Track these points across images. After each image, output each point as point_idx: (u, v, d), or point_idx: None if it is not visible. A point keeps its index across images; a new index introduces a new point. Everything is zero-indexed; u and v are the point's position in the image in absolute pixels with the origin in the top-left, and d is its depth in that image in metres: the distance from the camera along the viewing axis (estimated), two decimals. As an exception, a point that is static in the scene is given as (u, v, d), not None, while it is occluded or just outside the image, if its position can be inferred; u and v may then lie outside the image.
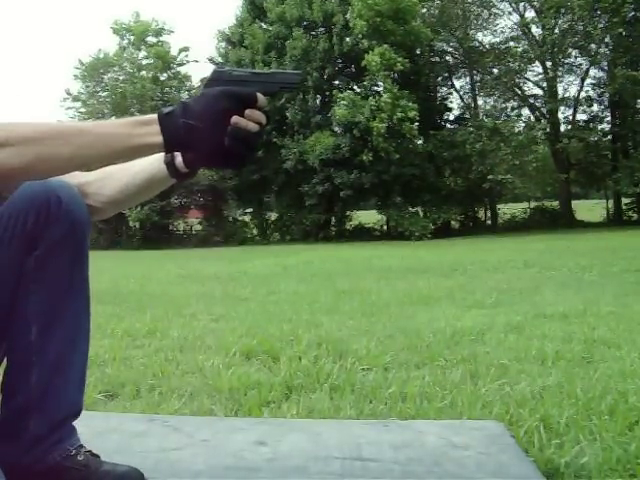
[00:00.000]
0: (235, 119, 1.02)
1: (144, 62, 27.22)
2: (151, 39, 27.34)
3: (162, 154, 1.23)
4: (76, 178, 1.31)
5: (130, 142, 1.00)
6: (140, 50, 27.29)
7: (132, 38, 27.11)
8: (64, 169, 1.04)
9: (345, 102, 21.27)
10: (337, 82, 24.95)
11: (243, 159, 1.06)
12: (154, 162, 1.26)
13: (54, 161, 0.98)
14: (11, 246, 1.18)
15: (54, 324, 1.23)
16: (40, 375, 1.23)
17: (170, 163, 1.23)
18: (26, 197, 1.18)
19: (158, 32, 27.34)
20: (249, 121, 1.03)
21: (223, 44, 27.14)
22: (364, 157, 20.90)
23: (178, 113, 1.01)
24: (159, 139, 1.00)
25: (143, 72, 26.80)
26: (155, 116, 1.01)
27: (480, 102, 26.75)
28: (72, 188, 1.23)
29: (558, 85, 24.80)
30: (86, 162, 1.04)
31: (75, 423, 1.31)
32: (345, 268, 9.51)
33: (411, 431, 1.70)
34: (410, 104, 20.68)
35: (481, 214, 26.55)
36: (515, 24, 25.47)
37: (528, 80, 25.83)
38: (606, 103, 25.09)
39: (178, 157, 1.21)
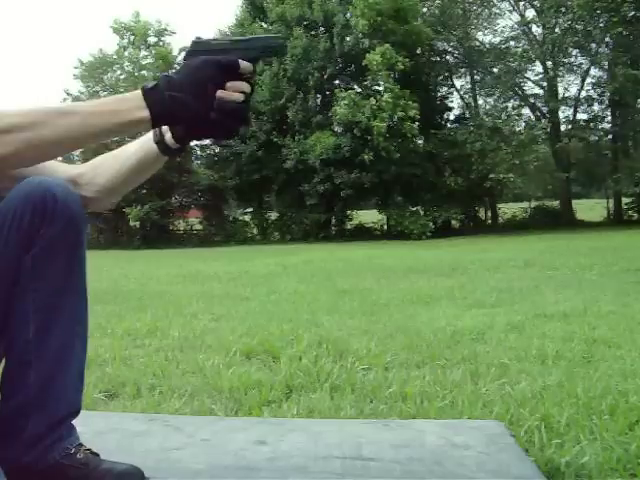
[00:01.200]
0: (219, 93, 1.02)
1: (144, 62, 27.19)
2: (152, 39, 27.30)
3: (151, 134, 1.23)
4: (68, 170, 1.31)
5: (116, 119, 1.00)
6: (141, 50, 27.26)
7: (133, 38, 27.06)
8: (55, 152, 1.04)
9: (346, 102, 21.26)
10: (337, 82, 24.94)
11: (231, 131, 1.06)
12: (144, 143, 1.26)
13: (44, 146, 0.99)
14: (8, 245, 1.18)
15: (52, 322, 1.23)
16: (38, 374, 1.23)
17: (160, 141, 1.23)
18: (22, 196, 1.18)
19: (160, 33, 27.31)
20: (233, 92, 1.03)
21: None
22: (365, 156, 20.88)
23: (162, 86, 1.01)
24: (145, 113, 1.00)
25: (144, 72, 26.76)
26: (139, 91, 1.01)
27: (480, 102, 26.76)
28: (68, 186, 1.23)
29: (558, 85, 24.83)
30: (75, 143, 1.04)
31: (75, 422, 1.31)
32: (345, 268, 9.51)
33: (411, 430, 1.70)
34: (411, 103, 20.67)
35: (481, 213, 26.53)
36: (515, 23, 25.49)
37: (528, 80, 25.85)
38: (606, 103, 25.06)
39: (167, 134, 1.21)
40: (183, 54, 1.10)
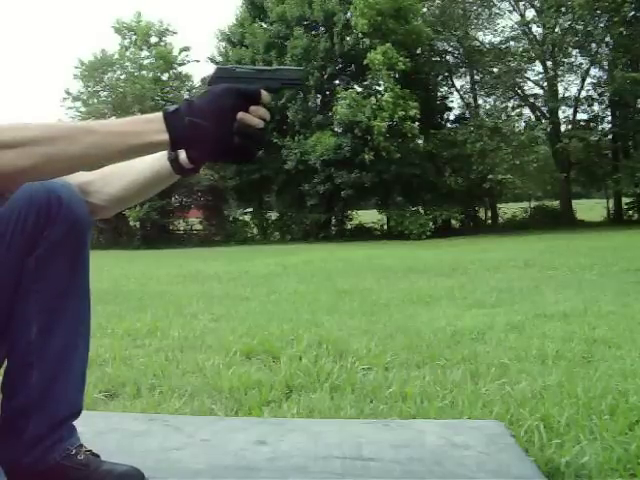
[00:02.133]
0: (241, 115, 1.02)
1: (145, 62, 27.19)
2: (154, 39, 27.29)
3: (165, 151, 1.24)
4: (78, 177, 1.31)
5: (136, 140, 1.00)
6: (142, 50, 27.26)
7: (134, 38, 27.05)
8: (72, 169, 1.04)
9: (347, 101, 21.25)
10: (338, 82, 24.94)
11: (250, 154, 1.07)
12: (158, 159, 1.26)
13: (62, 161, 0.99)
14: (12, 246, 1.18)
15: (54, 324, 1.24)
16: (40, 375, 1.23)
17: (174, 160, 1.23)
18: (26, 197, 1.18)
19: (162, 33, 27.30)
20: (254, 117, 1.04)
21: (223, 44, 27.14)
22: (366, 156, 20.87)
23: (183, 111, 1.01)
24: (165, 137, 1.00)
25: (144, 72, 26.77)
26: (160, 114, 1.01)
27: (480, 102, 26.76)
28: (73, 188, 1.23)
29: (558, 85, 24.81)
30: (93, 162, 1.04)
31: (75, 423, 1.31)
32: (345, 268, 9.51)
33: (411, 430, 1.70)
34: (411, 103, 20.67)
35: (482, 213, 26.54)
36: (515, 23, 25.48)
37: (528, 80, 25.85)
38: (607, 103, 25.07)
39: (182, 154, 1.21)
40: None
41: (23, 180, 1.06)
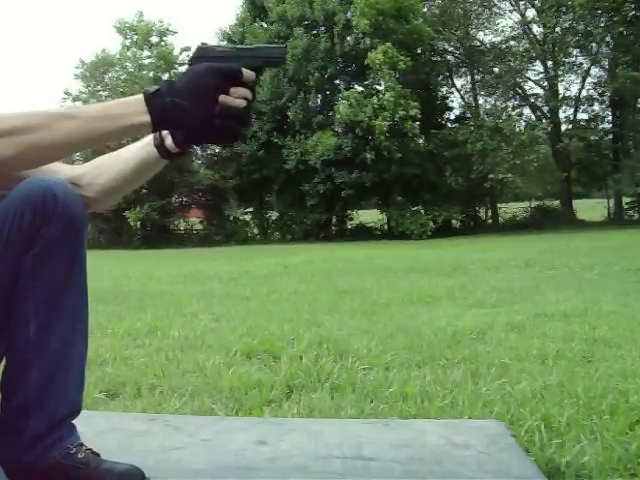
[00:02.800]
0: (222, 98, 1.02)
1: (146, 62, 27.17)
2: (154, 39, 27.26)
3: (151, 137, 1.24)
4: (69, 171, 1.31)
5: (117, 123, 1.00)
6: (143, 50, 27.24)
7: (135, 37, 27.03)
8: (56, 156, 1.04)
9: (348, 101, 21.23)
10: (338, 81, 24.94)
11: (234, 135, 1.06)
12: (144, 146, 1.26)
13: (45, 149, 0.99)
14: (8, 244, 1.18)
15: (52, 322, 1.23)
16: (39, 373, 1.23)
17: (160, 145, 1.23)
18: (22, 195, 1.18)
19: (163, 33, 27.28)
20: (236, 98, 1.04)
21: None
22: (368, 155, 20.86)
23: (164, 91, 1.01)
24: (146, 118, 1.00)
25: (144, 72, 26.75)
26: (141, 96, 1.01)
27: (481, 101, 26.77)
28: (68, 186, 1.23)
29: (559, 84, 24.81)
30: (76, 147, 1.04)
31: (76, 422, 1.31)
32: (346, 267, 9.51)
33: (412, 430, 1.70)
34: (412, 102, 20.67)
35: (482, 213, 26.54)
36: (516, 23, 25.49)
37: (529, 79, 25.86)
38: (607, 102, 25.06)
39: (168, 138, 1.21)
40: (186, 56, 1.11)
41: (8, 169, 1.06)
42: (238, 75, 1.05)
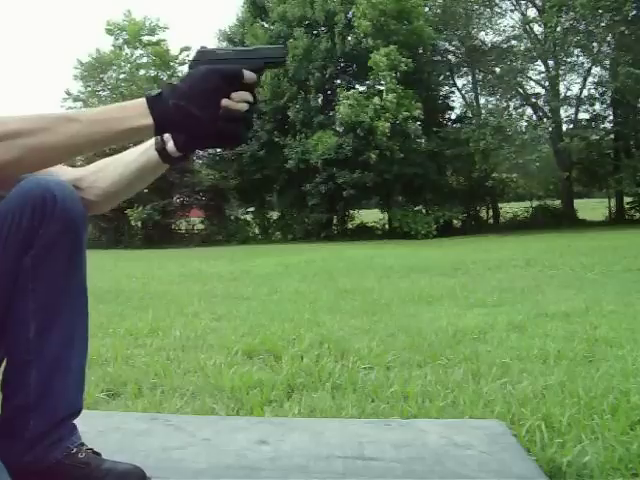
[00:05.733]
0: (224, 102, 1.02)
1: (142, 60, 27.10)
2: (148, 38, 27.13)
3: (153, 141, 1.23)
4: (70, 173, 1.31)
5: (119, 126, 1.00)
6: (136, 49, 27.14)
7: (127, 37, 26.91)
8: (56, 159, 1.04)
9: (350, 101, 21.22)
10: (339, 81, 24.93)
11: (237, 138, 1.06)
12: (146, 150, 1.26)
13: (46, 152, 0.99)
14: (7, 245, 1.18)
15: (52, 322, 1.23)
16: (39, 374, 1.23)
17: (162, 149, 1.23)
18: (21, 196, 1.18)
19: (152, 30, 27.12)
20: (237, 101, 1.04)
21: (225, 43, 27.13)
22: (372, 155, 20.83)
23: (166, 94, 1.01)
24: (149, 121, 1.00)
25: (142, 71, 26.71)
26: (143, 99, 1.01)
27: (482, 101, 26.73)
28: (67, 186, 1.23)
29: (560, 84, 24.77)
30: (77, 150, 1.04)
31: (77, 422, 1.31)
32: (347, 267, 9.51)
33: (413, 430, 1.70)
34: (414, 103, 20.66)
35: (483, 213, 26.52)
36: (517, 23, 25.47)
37: (530, 79, 25.82)
38: (608, 102, 25.04)
39: (169, 142, 1.21)
40: (185, 56, 1.11)
41: (8, 173, 1.05)
42: (239, 77, 1.04)
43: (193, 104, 1.00)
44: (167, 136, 1.21)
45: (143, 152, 1.27)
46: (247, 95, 1.05)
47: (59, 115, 1.02)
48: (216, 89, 1.02)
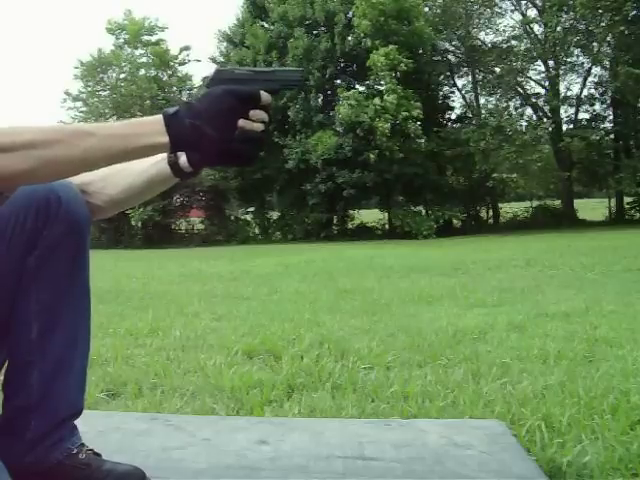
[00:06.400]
0: (242, 122, 1.02)
1: (142, 60, 27.08)
2: (147, 38, 27.11)
3: (165, 154, 1.23)
4: (77, 177, 1.31)
5: (135, 143, 1.00)
6: (137, 49, 27.14)
7: (127, 37, 26.90)
8: (70, 172, 1.03)
9: (350, 101, 21.21)
10: (339, 81, 24.93)
11: (251, 158, 1.07)
12: (157, 162, 1.26)
13: (60, 165, 0.98)
14: (11, 245, 1.18)
15: (54, 323, 1.24)
16: (40, 374, 1.23)
17: (174, 163, 1.23)
18: (26, 196, 1.18)
19: (151, 29, 27.11)
20: (254, 122, 1.04)
21: (224, 44, 27.13)
22: (371, 155, 20.83)
23: (183, 113, 1.01)
24: (165, 139, 1.00)
25: (142, 71, 26.70)
26: (160, 116, 1.01)
27: (482, 101, 26.73)
28: (72, 187, 1.23)
29: (560, 84, 24.77)
30: (92, 164, 1.03)
31: (77, 422, 1.31)
32: (347, 267, 9.51)
33: (413, 430, 1.70)
34: (414, 103, 20.65)
35: (483, 213, 26.52)
36: (517, 23, 25.47)
37: (530, 79, 25.82)
38: (608, 102, 25.05)
39: (182, 157, 1.21)
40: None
41: (21, 183, 1.05)
42: (256, 98, 1.04)
43: (209, 124, 1.00)
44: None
45: (154, 164, 1.26)
46: (264, 115, 1.05)
47: (75, 128, 1.02)
48: (232, 110, 1.02)
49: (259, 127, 1.04)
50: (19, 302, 1.21)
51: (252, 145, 1.04)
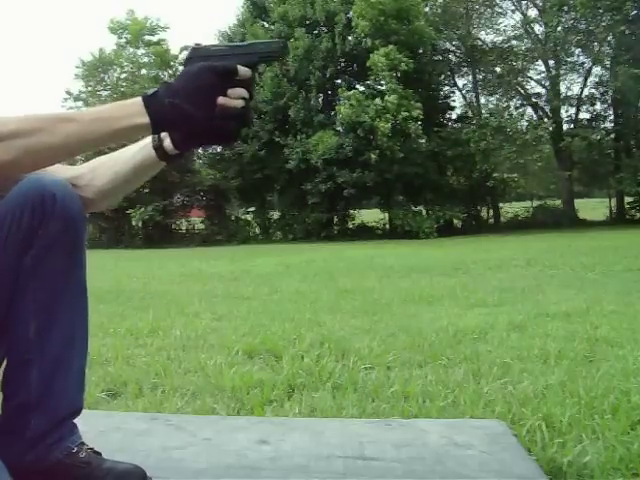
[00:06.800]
0: (220, 100, 1.02)
1: (144, 60, 27.10)
2: (149, 37, 27.14)
3: (150, 139, 1.24)
4: (67, 172, 1.31)
5: (115, 125, 1.00)
6: (138, 49, 27.17)
7: (129, 37, 26.93)
8: (54, 159, 1.04)
9: (351, 101, 21.20)
10: (339, 81, 24.94)
11: (232, 136, 1.06)
12: (143, 147, 1.26)
13: (43, 152, 0.99)
14: (7, 244, 1.18)
15: (52, 322, 1.23)
16: (39, 373, 1.23)
17: (158, 147, 1.23)
18: (20, 195, 1.18)
19: (153, 29, 27.14)
20: (233, 99, 1.04)
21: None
22: (372, 155, 20.83)
23: (162, 93, 1.01)
24: (145, 120, 1.00)
25: (143, 70, 26.71)
26: (139, 98, 1.01)
27: (482, 101, 26.74)
28: (66, 185, 1.23)
29: (561, 84, 24.77)
30: (74, 150, 1.04)
31: (77, 421, 1.31)
32: (347, 267, 9.51)
33: (413, 430, 1.70)
34: (414, 103, 20.65)
35: (484, 213, 26.52)
36: (518, 22, 25.47)
37: (531, 79, 25.83)
38: (609, 102, 25.04)
39: (166, 140, 1.21)
40: (182, 59, 1.11)
41: (6, 174, 1.06)
42: (233, 72, 1.04)
43: (188, 102, 1.00)
44: (164, 134, 1.21)
45: (140, 150, 1.26)
46: (242, 91, 1.05)
47: (56, 115, 1.02)
48: (210, 86, 1.02)
49: (239, 103, 1.04)
50: (16, 301, 1.21)
51: (233, 122, 1.04)
